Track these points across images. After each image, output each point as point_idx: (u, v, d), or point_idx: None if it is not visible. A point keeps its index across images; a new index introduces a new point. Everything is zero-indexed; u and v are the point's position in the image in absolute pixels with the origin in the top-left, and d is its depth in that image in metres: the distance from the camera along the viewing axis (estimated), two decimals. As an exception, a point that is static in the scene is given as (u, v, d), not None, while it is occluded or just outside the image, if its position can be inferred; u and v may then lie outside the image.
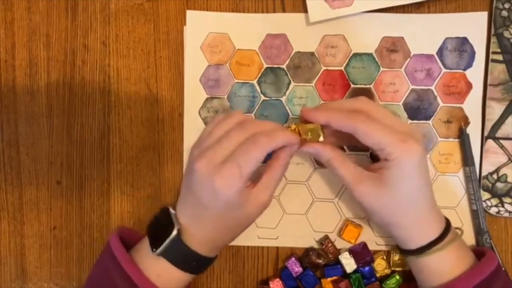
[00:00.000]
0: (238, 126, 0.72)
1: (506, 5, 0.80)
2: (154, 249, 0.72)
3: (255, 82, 0.84)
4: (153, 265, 0.73)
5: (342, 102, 0.76)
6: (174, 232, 0.71)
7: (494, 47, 0.81)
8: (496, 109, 0.81)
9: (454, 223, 0.81)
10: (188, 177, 0.72)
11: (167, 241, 0.71)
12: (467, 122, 0.82)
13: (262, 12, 0.84)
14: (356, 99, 0.73)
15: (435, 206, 0.73)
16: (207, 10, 0.84)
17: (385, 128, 0.69)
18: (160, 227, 0.74)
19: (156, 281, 0.72)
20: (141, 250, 0.75)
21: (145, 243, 0.74)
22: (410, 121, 0.82)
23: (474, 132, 0.81)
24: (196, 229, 0.73)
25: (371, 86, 0.83)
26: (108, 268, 0.73)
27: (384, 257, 0.82)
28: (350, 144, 0.81)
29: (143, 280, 0.71)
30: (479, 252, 0.75)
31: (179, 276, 0.73)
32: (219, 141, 0.71)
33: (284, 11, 0.83)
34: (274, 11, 0.84)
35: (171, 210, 0.75)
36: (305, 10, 0.82)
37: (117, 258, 0.73)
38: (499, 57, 0.81)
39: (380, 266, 0.82)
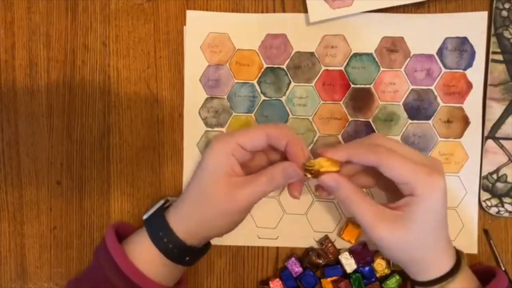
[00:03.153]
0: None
1: (506, 5, 0.80)
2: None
3: (255, 82, 0.84)
4: (135, 237, 0.76)
5: (358, 140, 0.73)
6: (161, 202, 0.77)
7: (494, 47, 0.81)
8: (496, 109, 0.81)
9: (455, 224, 0.82)
10: None
11: (153, 208, 0.76)
12: (467, 122, 0.82)
13: (262, 12, 0.84)
14: (371, 136, 0.72)
15: (448, 241, 0.72)
16: (207, 10, 0.84)
17: (409, 161, 0.67)
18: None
19: (134, 255, 0.73)
20: (133, 233, 0.78)
21: (139, 228, 0.78)
22: (410, 121, 0.82)
23: (474, 132, 0.82)
24: (177, 201, 0.75)
25: (371, 86, 0.83)
26: (98, 252, 0.76)
27: (384, 257, 0.82)
28: (365, 186, 0.77)
29: (119, 253, 0.73)
30: (489, 270, 0.75)
31: (154, 253, 0.73)
32: None
33: (284, 11, 0.83)
34: (274, 11, 0.84)
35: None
36: (305, 10, 0.82)
37: (106, 241, 0.74)
38: (499, 57, 0.81)
39: (380, 266, 0.82)
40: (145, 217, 0.76)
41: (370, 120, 0.83)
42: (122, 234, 0.77)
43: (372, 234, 0.69)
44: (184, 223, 0.73)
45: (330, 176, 0.69)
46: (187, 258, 0.75)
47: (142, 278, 0.72)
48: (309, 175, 0.69)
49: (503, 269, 0.81)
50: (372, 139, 0.71)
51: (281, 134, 0.70)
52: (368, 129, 0.83)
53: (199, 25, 0.84)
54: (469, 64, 0.82)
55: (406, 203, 0.68)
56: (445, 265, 0.70)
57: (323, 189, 0.73)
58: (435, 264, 0.71)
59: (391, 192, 0.73)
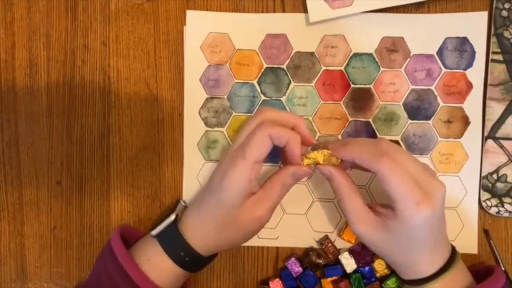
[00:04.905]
0: (252, 116, 0.74)
1: (506, 5, 0.80)
2: (151, 231, 0.75)
3: (255, 82, 0.84)
4: (147, 250, 0.75)
5: (367, 141, 0.74)
6: (172, 217, 0.75)
7: (494, 47, 0.81)
8: (496, 109, 0.81)
9: (455, 224, 0.82)
10: None
11: (163, 224, 0.75)
12: (467, 122, 0.82)
13: (262, 12, 0.84)
14: (380, 140, 0.72)
15: (439, 244, 0.72)
16: (207, 10, 0.84)
17: (406, 180, 0.67)
18: (165, 215, 0.77)
19: (145, 266, 0.74)
20: (141, 240, 0.78)
21: (146, 237, 0.78)
22: (410, 121, 0.82)
23: (474, 132, 0.82)
24: (195, 218, 0.74)
25: (371, 86, 0.83)
26: (106, 260, 0.75)
27: (384, 257, 0.82)
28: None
29: (136, 271, 0.73)
30: (490, 269, 0.75)
31: (168, 265, 0.74)
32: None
33: (284, 11, 0.83)
34: (274, 11, 0.84)
35: (181, 202, 0.80)
36: (305, 10, 0.82)
37: (114, 251, 0.74)
38: (499, 57, 0.81)
39: (380, 266, 0.82)
40: (154, 233, 0.75)
41: (370, 120, 0.83)
42: (124, 236, 0.78)
43: (352, 229, 0.73)
44: (204, 242, 0.74)
45: (326, 167, 0.73)
46: (201, 266, 0.78)
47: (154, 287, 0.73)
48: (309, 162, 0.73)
49: (503, 269, 0.81)
50: (380, 144, 0.71)
51: (281, 134, 0.70)
52: (368, 129, 0.83)
53: (199, 25, 0.84)
54: (469, 64, 0.81)
55: (387, 214, 0.70)
56: (429, 268, 0.71)
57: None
58: (416, 268, 0.72)
59: None
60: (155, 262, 0.74)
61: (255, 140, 0.70)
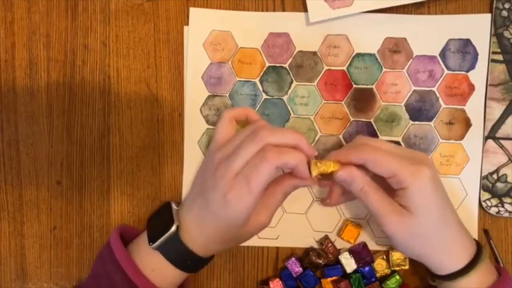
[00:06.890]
0: (250, 137, 0.71)
1: (506, 5, 0.80)
2: (151, 243, 0.74)
3: (257, 80, 0.84)
4: (149, 259, 0.75)
5: (344, 146, 0.78)
6: (173, 228, 0.74)
7: (494, 47, 0.81)
8: (496, 109, 0.81)
9: (455, 225, 0.82)
10: (204, 179, 0.74)
11: (165, 236, 0.73)
12: (469, 124, 0.82)
13: (262, 11, 0.83)
14: (355, 138, 0.77)
15: (463, 230, 0.74)
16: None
17: (394, 155, 0.70)
18: (160, 221, 0.77)
19: (150, 275, 0.73)
20: (139, 244, 0.77)
21: (144, 237, 0.76)
22: (411, 122, 0.82)
23: (475, 134, 0.82)
24: (196, 230, 0.74)
25: (373, 86, 0.83)
26: (106, 262, 0.75)
27: (384, 257, 0.82)
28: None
29: (136, 274, 0.73)
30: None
31: (173, 272, 0.75)
32: (235, 152, 0.71)
33: (284, 10, 0.83)
34: (274, 10, 0.83)
35: (173, 206, 0.78)
36: (305, 9, 0.82)
37: (114, 253, 0.74)
38: (499, 57, 0.81)
39: (380, 266, 0.82)
40: (156, 245, 0.73)
41: (371, 120, 0.83)
42: (123, 235, 0.78)
43: (383, 225, 0.72)
44: (207, 249, 0.75)
45: (346, 170, 0.72)
46: (204, 265, 0.78)
47: None
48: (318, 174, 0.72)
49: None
50: (357, 140, 0.76)
51: (290, 163, 0.69)
52: (369, 130, 0.83)
53: (202, 23, 0.84)
54: (472, 66, 0.82)
55: (402, 199, 0.71)
56: (461, 259, 0.72)
57: (323, 184, 0.78)
58: (450, 258, 0.73)
59: (385, 190, 0.74)
60: (160, 271, 0.74)
61: (261, 174, 0.68)
